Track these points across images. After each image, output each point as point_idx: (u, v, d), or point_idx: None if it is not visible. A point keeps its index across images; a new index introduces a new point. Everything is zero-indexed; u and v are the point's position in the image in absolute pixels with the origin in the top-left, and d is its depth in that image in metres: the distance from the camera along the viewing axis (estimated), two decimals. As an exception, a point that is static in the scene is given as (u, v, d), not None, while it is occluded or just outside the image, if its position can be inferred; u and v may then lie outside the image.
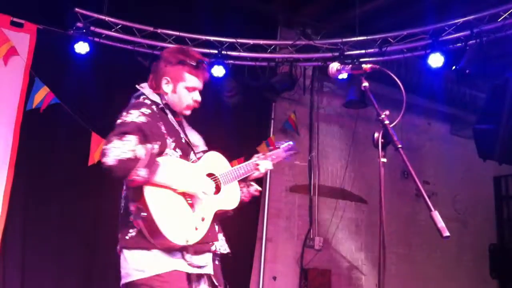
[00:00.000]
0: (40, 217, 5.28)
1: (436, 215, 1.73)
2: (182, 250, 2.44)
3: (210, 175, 2.66)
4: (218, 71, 5.99)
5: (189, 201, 2.48)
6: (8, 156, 5.17)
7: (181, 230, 2.39)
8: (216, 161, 2.74)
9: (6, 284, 5.02)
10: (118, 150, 2.26)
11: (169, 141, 2.52)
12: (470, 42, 5.49)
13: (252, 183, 2.96)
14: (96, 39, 5.59)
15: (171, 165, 2.45)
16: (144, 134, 2.39)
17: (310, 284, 7.15)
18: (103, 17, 5.60)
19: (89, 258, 5.46)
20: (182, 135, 2.65)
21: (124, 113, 2.44)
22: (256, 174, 2.94)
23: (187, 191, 2.46)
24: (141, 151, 2.31)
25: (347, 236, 7.87)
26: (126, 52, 5.81)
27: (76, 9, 5.44)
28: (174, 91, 2.64)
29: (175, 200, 2.43)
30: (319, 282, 7.23)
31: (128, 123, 2.38)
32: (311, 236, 7.40)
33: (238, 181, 2.83)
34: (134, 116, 2.42)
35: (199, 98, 2.70)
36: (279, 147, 3.16)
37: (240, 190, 2.84)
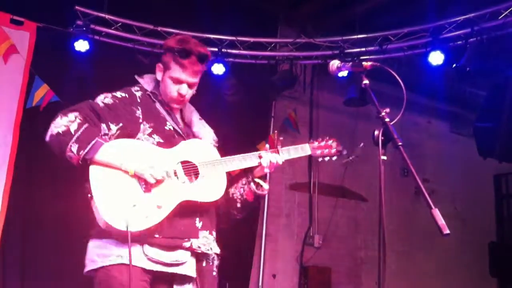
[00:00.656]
0: (40, 216, 5.28)
1: (437, 212, 1.73)
2: (143, 242, 2.24)
3: (185, 162, 2.42)
4: (218, 69, 5.98)
5: (143, 186, 2.28)
6: (7, 154, 5.17)
7: (122, 213, 2.17)
8: (200, 149, 2.51)
9: (6, 283, 5.02)
10: (54, 125, 2.26)
11: (144, 126, 2.40)
12: (471, 40, 5.49)
13: (258, 180, 2.61)
14: (96, 37, 5.58)
15: (124, 146, 2.30)
16: (97, 113, 2.31)
17: (310, 282, 7.16)
18: (103, 15, 5.59)
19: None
20: (169, 123, 2.51)
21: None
22: (260, 172, 2.59)
23: (136, 173, 2.25)
24: (74, 126, 2.22)
25: (346, 234, 7.88)
26: (126, 50, 5.81)
27: (76, 7, 5.43)
28: (162, 79, 2.55)
29: (125, 183, 2.25)
30: (318, 280, 7.23)
31: (82, 102, 2.37)
32: (311, 234, 7.41)
33: (241, 177, 2.64)
34: (99, 97, 2.42)
35: (184, 92, 2.51)
36: (309, 142, 2.74)
37: (241, 187, 2.61)
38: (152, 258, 2.26)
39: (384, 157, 1.95)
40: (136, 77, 2.62)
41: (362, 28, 6.27)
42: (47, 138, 2.27)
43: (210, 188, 2.43)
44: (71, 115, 2.27)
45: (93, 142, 2.22)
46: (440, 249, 8.50)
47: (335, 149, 2.76)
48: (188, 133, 2.61)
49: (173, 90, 2.51)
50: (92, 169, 2.25)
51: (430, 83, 7.44)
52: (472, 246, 8.94)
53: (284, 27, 7.32)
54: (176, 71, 2.48)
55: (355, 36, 6.16)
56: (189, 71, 2.48)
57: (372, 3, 6.55)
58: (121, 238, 2.21)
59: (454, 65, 5.62)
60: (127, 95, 2.46)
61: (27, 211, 5.26)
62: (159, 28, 5.88)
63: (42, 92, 5.29)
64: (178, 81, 2.50)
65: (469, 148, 6.22)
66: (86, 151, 2.21)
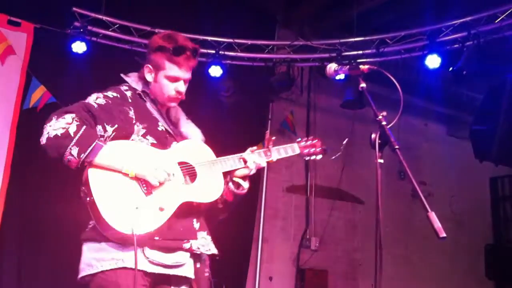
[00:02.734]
0: (37, 217, 5.26)
1: (433, 215, 1.73)
2: (143, 245, 2.19)
3: (183, 163, 2.40)
4: (216, 71, 5.99)
5: (144, 188, 2.25)
6: (4, 155, 5.16)
7: (127, 216, 2.14)
8: (196, 149, 2.49)
9: (3, 285, 5.01)
10: (50, 128, 2.18)
11: (138, 128, 2.35)
12: (468, 43, 5.51)
13: (237, 180, 2.57)
14: (94, 39, 5.58)
15: (123, 148, 2.26)
16: (92, 114, 2.26)
17: (307, 285, 7.16)
18: (100, 16, 5.59)
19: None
20: (161, 123, 2.46)
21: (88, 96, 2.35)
22: (244, 171, 2.56)
23: (138, 175, 2.22)
24: (73, 128, 2.15)
25: (343, 236, 7.88)
26: (124, 52, 5.80)
27: (74, 8, 5.43)
28: (155, 80, 2.47)
29: (126, 185, 2.21)
30: (315, 283, 7.23)
31: (76, 103, 2.30)
32: (308, 237, 7.41)
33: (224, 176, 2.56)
34: (92, 97, 2.34)
35: (182, 89, 2.48)
36: (296, 142, 2.76)
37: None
38: (153, 260, 2.22)
39: (381, 160, 1.95)
40: (123, 75, 2.55)
41: (360, 30, 6.29)
42: (44, 141, 2.18)
43: (208, 188, 2.41)
44: (68, 117, 2.20)
45: (93, 144, 2.17)
46: (436, 251, 8.50)
47: (320, 148, 2.83)
48: (177, 133, 2.56)
49: (170, 88, 2.46)
50: (91, 172, 2.20)
51: (427, 86, 7.46)
52: (469, 248, 8.95)
53: (281, 29, 7.33)
54: (172, 70, 2.44)
55: (353, 39, 6.18)
56: (185, 68, 2.46)
57: (370, 6, 6.57)
58: (121, 241, 2.16)
59: (451, 68, 5.64)
60: (118, 95, 2.39)
61: (24, 212, 5.25)
62: (156, 30, 5.85)
63: (39, 93, 5.28)
64: (175, 79, 2.46)
65: (466, 151, 6.22)
66: (86, 154, 2.15)
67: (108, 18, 5.64)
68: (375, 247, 1.90)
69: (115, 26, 5.71)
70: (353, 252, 7.94)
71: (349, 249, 7.92)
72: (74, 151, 2.14)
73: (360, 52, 6.15)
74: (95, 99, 2.33)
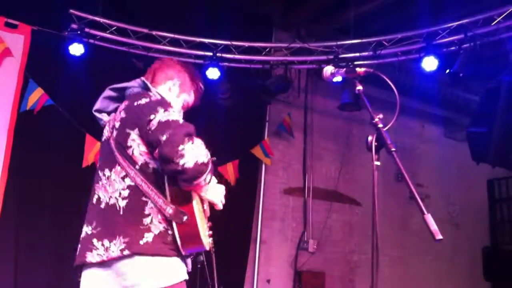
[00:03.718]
0: (34, 219, 5.26)
1: (429, 218, 1.73)
2: (188, 256, 2.34)
3: None
4: (213, 73, 5.99)
5: (205, 208, 2.40)
6: (1, 157, 5.15)
7: (205, 236, 2.30)
8: None
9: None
10: (198, 153, 2.11)
11: None
12: (464, 45, 5.53)
13: None
14: (91, 41, 5.58)
15: None
16: None
17: (304, 287, 7.16)
18: (97, 18, 5.59)
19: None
20: None
21: (161, 109, 2.20)
22: None
23: (212, 199, 2.35)
24: (208, 155, 2.17)
25: (341, 238, 7.89)
26: (121, 54, 5.81)
27: (71, 11, 5.43)
28: (178, 96, 2.55)
29: (199, 206, 2.31)
30: (313, 285, 7.24)
31: (186, 124, 2.21)
32: (305, 239, 7.41)
33: None
34: (177, 114, 2.28)
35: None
36: None
37: None
38: (188, 269, 2.33)
39: (378, 163, 1.96)
40: (148, 84, 2.47)
41: (357, 33, 6.30)
42: (191, 165, 2.08)
43: (215, 193, 2.46)
44: (200, 142, 2.18)
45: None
46: (434, 253, 8.52)
47: None
48: None
49: (180, 113, 2.52)
50: (195, 194, 2.26)
51: (424, 88, 7.50)
52: (466, 250, 8.98)
53: (278, 31, 7.34)
54: (191, 100, 2.61)
55: (349, 41, 6.19)
56: (193, 106, 2.63)
57: (367, 9, 6.59)
58: (179, 255, 2.25)
59: (447, 71, 5.65)
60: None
61: (21, 214, 5.24)
62: (153, 32, 5.88)
63: (36, 95, 5.28)
64: (186, 108, 2.59)
65: (463, 153, 6.24)
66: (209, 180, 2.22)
67: (105, 20, 5.65)
68: (371, 249, 1.90)
69: (113, 28, 5.72)
70: (350, 254, 7.94)
71: (347, 251, 7.92)
72: (209, 177, 2.19)
73: (357, 54, 6.17)
74: (178, 116, 2.29)
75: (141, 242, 2.17)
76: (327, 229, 7.64)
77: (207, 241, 2.31)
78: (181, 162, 2.06)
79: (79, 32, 5.43)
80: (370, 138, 1.98)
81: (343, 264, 7.83)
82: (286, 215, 7.43)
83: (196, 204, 2.23)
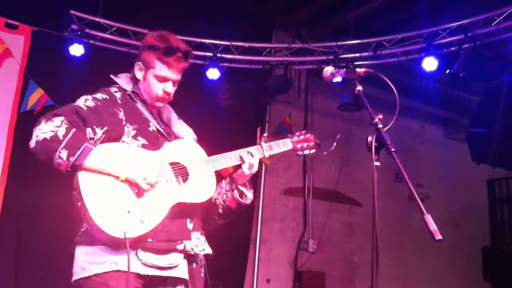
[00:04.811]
0: (34, 220, 5.26)
1: (429, 218, 1.74)
2: (136, 247, 2.18)
3: (174, 164, 2.38)
4: (213, 74, 5.99)
5: (135, 190, 2.23)
6: (1, 158, 5.15)
7: (119, 220, 2.13)
8: (187, 149, 2.46)
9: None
10: (39, 131, 2.16)
11: (128, 129, 2.33)
12: (464, 46, 5.53)
13: (242, 188, 2.58)
14: (91, 41, 5.58)
15: (113, 150, 2.24)
16: (81, 117, 2.24)
17: (304, 287, 7.16)
18: (98, 19, 5.60)
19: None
20: (152, 123, 2.44)
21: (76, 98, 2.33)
22: (241, 174, 2.55)
23: (128, 178, 2.20)
24: (61, 131, 2.14)
25: (341, 238, 7.89)
26: (121, 54, 5.80)
27: (71, 11, 5.44)
28: (144, 78, 2.48)
29: (117, 188, 2.20)
30: (313, 285, 7.24)
31: (65, 106, 2.28)
32: (305, 239, 7.41)
33: (226, 184, 2.58)
34: (80, 100, 2.33)
35: (170, 89, 2.48)
36: (288, 137, 2.75)
37: (224, 193, 2.56)
38: (146, 262, 2.21)
39: (377, 163, 1.96)
40: (112, 76, 2.54)
41: (357, 33, 6.31)
42: (33, 144, 2.15)
43: (200, 188, 2.40)
44: (57, 120, 2.18)
45: (82, 147, 2.15)
46: (434, 253, 8.51)
47: (313, 142, 2.80)
48: (169, 133, 2.55)
49: (158, 88, 2.45)
50: (81, 175, 2.18)
51: (424, 88, 7.49)
52: (466, 251, 8.96)
53: (279, 32, 7.34)
54: (162, 70, 2.43)
55: (350, 42, 6.20)
56: (175, 69, 2.45)
57: (367, 9, 6.59)
58: (114, 244, 2.15)
59: (447, 71, 5.65)
60: (108, 97, 2.38)
61: (21, 214, 5.24)
62: (154, 33, 5.88)
63: (36, 96, 5.28)
64: (164, 79, 2.45)
65: (463, 153, 6.23)
66: (76, 157, 2.14)
67: (106, 21, 5.65)
68: (371, 249, 1.91)
69: (113, 29, 5.72)
70: (350, 254, 7.94)
71: (347, 251, 7.92)
72: (63, 154, 2.12)
73: (357, 54, 6.17)
74: (84, 101, 2.32)
75: (79, 233, 2.27)
76: (327, 229, 7.64)
77: (125, 226, 2.13)
78: (29, 143, 2.15)
79: (79, 33, 5.44)
80: (370, 138, 1.98)
81: (343, 264, 7.82)
82: (286, 215, 7.43)
83: (91, 184, 2.16)
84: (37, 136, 2.14)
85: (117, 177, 2.20)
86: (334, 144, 2.83)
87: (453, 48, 5.69)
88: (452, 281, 8.68)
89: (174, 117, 2.65)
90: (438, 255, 8.53)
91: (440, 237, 1.70)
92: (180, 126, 2.62)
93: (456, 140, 8.97)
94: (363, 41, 6.11)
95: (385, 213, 7.83)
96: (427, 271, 8.56)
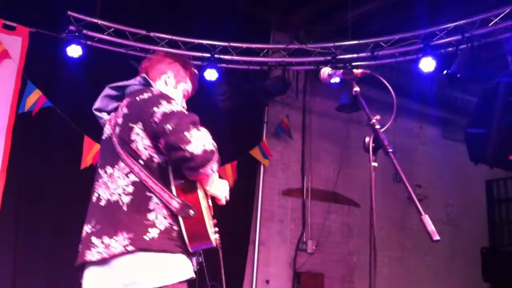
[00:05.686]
0: (32, 221, 5.26)
1: (426, 218, 1.73)
2: (194, 254, 2.28)
3: None
4: (211, 74, 6.00)
5: (210, 203, 2.39)
6: (0, 159, 5.15)
7: (212, 232, 2.27)
8: None
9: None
10: (205, 140, 2.11)
11: None
12: (462, 46, 5.54)
13: None
14: (89, 42, 5.58)
15: None
16: None
17: (303, 288, 7.16)
18: (95, 20, 5.59)
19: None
20: None
21: (164, 102, 2.19)
22: None
23: (216, 194, 2.36)
24: (215, 145, 2.17)
25: (339, 239, 7.89)
26: (119, 55, 5.81)
27: (69, 12, 5.43)
28: (175, 87, 2.55)
29: (205, 201, 2.29)
30: (311, 286, 7.24)
31: (192, 114, 2.23)
32: (304, 240, 7.42)
33: None
34: (180, 106, 2.28)
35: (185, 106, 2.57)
36: None
37: None
38: (195, 266, 2.32)
39: (375, 164, 1.96)
40: (149, 80, 2.48)
41: (354, 34, 6.31)
42: (199, 152, 2.07)
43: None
44: (206, 130, 2.20)
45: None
46: (432, 254, 8.53)
47: None
48: None
49: (183, 102, 2.58)
50: (200, 187, 2.25)
51: (422, 89, 7.50)
52: (465, 251, 8.98)
53: (277, 33, 7.35)
54: (189, 87, 2.60)
55: (347, 43, 6.20)
56: (193, 91, 2.64)
57: (364, 10, 6.60)
58: (185, 252, 2.21)
59: (445, 72, 5.66)
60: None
61: (19, 215, 5.24)
62: (151, 34, 5.89)
63: (34, 97, 5.28)
64: (186, 97, 2.61)
65: (461, 154, 6.24)
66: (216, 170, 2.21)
67: (103, 22, 5.65)
68: (369, 250, 1.91)
69: (110, 30, 5.72)
70: (349, 255, 7.95)
71: (346, 252, 7.93)
72: (215, 167, 2.17)
73: (355, 55, 6.17)
74: (182, 108, 2.32)
75: (146, 238, 2.12)
76: (325, 230, 7.65)
77: (213, 237, 2.28)
78: (189, 148, 2.06)
79: (77, 34, 5.44)
80: (367, 139, 1.98)
81: (342, 265, 7.83)
82: (284, 216, 7.43)
83: (202, 199, 2.20)
84: (204, 145, 2.09)
85: (206, 191, 2.31)
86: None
87: (450, 49, 5.70)
88: (451, 281, 8.70)
89: None
90: (437, 256, 8.55)
91: (438, 238, 1.70)
92: None
93: (454, 140, 8.98)
94: (361, 42, 6.12)
95: (385, 214, 7.86)
96: (426, 271, 8.57)
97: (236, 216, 6.13)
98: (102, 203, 2.23)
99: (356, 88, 2.18)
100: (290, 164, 7.55)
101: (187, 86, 2.58)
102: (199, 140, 2.08)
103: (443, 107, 8.42)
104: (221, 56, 6.15)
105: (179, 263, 2.18)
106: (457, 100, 8.10)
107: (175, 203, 2.15)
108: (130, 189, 2.18)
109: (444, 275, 8.68)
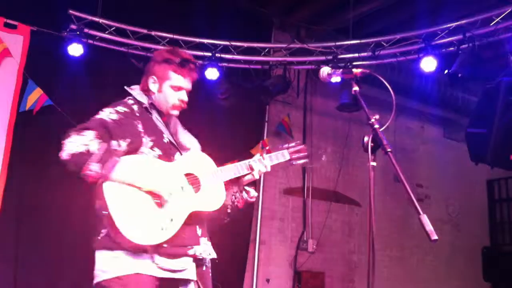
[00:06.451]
0: (34, 219, 5.26)
1: (425, 218, 1.74)
2: (152, 252, 2.37)
3: (188, 174, 2.57)
4: (212, 73, 6.00)
5: (157, 200, 2.41)
6: (1, 157, 5.15)
7: (142, 229, 2.33)
8: (199, 161, 2.65)
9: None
10: (73, 144, 2.30)
11: (146, 140, 2.48)
12: (463, 46, 5.53)
13: (248, 188, 2.83)
14: (90, 41, 5.58)
15: (136, 163, 2.42)
16: (108, 130, 2.38)
17: (304, 287, 7.16)
18: (97, 19, 5.60)
19: (83, 259, 5.43)
20: (166, 135, 2.60)
21: (99, 111, 2.47)
22: (248, 177, 2.79)
23: (151, 189, 2.40)
24: (94, 146, 2.30)
25: (340, 238, 7.89)
26: (120, 54, 5.81)
27: (70, 11, 5.44)
28: (160, 90, 2.64)
29: (139, 198, 2.38)
30: (312, 285, 7.24)
31: (93, 119, 2.43)
32: (305, 239, 7.42)
33: (232, 185, 2.77)
34: (105, 113, 2.46)
35: (185, 98, 2.66)
36: (285, 148, 2.94)
37: (233, 194, 2.77)
38: (162, 266, 2.39)
39: (374, 163, 1.97)
40: (127, 88, 2.67)
41: (355, 34, 6.31)
42: (65, 156, 2.30)
43: (213, 197, 2.59)
44: (89, 134, 2.34)
45: (111, 161, 2.32)
46: (433, 253, 8.53)
47: (304, 154, 2.99)
48: (179, 143, 2.70)
49: (174, 97, 2.63)
50: (107, 186, 2.34)
51: (423, 88, 7.49)
52: (466, 250, 8.98)
53: (278, 31, 7.35)
54: (178, 80, 2.62)
55: (348, 42, 6.19)
56: (188, 78, 2.65)
57: (365, 10, 6.59)
58: (134, 249, 2.34)
59: (446, 71, 5.65)
60: (128, 110, 2.52)
61: (20, 215, 5.25)
62: (152, 33, 5.89)
63: (35, 96, 5.29)
64: (179, 89, 2.63)
65: (462, 154, 6.24)
66: (106, 170, 2.30)
67: (105, 21, 5.65)
68: (368, 249, 1.91)
69: (112, 29, 5.73)
70: (350, 254, 7.95)
71: (346, 251, 7.93)
72: (95, 167, 2.27)
73: (356, 55, 6.17)
74: (108, 114, 2.45)
75: (98, 237, 2.42)
76: (326, 229, 7.65)
77: (148, 234, 2.32)
78: (61, 155, 2.30)
79: (78, 33, 5.44)
80: (366, 138, 1.99)
81: (343, 264, 7.83)
82: (285, 215, 7.44)
83: (117, 194, 2.32)
84: (70, 149, 2.30)
85: (140, 188, 2.37)
86: (323, 158, 3.04)
87: (451, 48, 5.69)
88: (452, 281, 8.69)
89: (180, 127, 2.79)
90: (437, 255, 8.54)
91: (436, 237, 1.70)
92: (185, 136, 2.78)
93: (455, 140, 8.98)
94: (362, 41, 6.11)
95: (385, 213, 7.86)
96: (426, 271, 8.57)
97: (236, 215, 6.12)
98: None
99: (355, 88, 2.19)
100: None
101: (173, 81, 2.63)
102: (67, 146, 2.30)
103: (444, 106, 8.42)
104: (222, 55, 6.15)
105: (114, 260, 2.37)
106: (458, 100, 8.09)
107: (96, 205, 2.41)
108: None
109: (445, 275, 8.67)
